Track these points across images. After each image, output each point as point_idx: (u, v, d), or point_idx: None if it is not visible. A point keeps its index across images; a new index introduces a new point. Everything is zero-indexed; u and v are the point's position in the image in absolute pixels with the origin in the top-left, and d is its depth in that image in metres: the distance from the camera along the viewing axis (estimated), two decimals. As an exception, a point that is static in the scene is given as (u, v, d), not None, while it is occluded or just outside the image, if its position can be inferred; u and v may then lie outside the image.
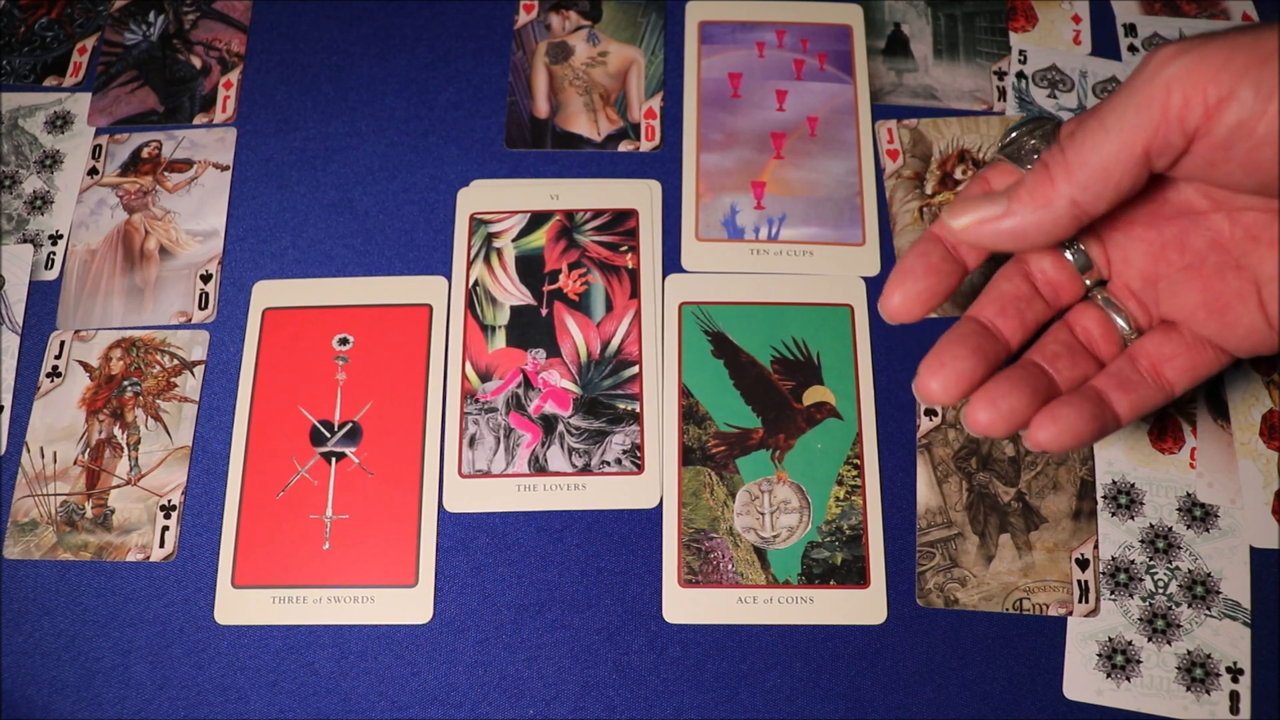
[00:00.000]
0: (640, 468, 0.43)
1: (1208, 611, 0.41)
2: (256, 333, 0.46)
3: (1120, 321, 0.36)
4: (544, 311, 0.46)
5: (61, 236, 0.49)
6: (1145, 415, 0.36)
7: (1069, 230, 0.32)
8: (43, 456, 0.45)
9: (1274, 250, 0.32)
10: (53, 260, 0.48)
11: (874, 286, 0.46)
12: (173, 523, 0.43)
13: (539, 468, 0.44)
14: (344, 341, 0.46)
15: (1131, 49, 0.52)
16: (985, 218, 0.32)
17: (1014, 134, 0.35)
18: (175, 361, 0.46)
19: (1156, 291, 0.35)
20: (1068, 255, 0.36)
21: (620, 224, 0.48)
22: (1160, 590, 0.42)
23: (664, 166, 0.49)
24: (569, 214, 0.48)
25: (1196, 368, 0.35)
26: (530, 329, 0.46)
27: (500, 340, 0.46)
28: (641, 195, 0.48)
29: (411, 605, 0.42)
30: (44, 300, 0.47)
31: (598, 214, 0.48)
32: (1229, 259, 0.33)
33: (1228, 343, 0.34)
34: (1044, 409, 0.34)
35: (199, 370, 0.46)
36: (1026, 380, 0.34)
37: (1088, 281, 0.36)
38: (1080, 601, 0.41)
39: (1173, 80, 0.29)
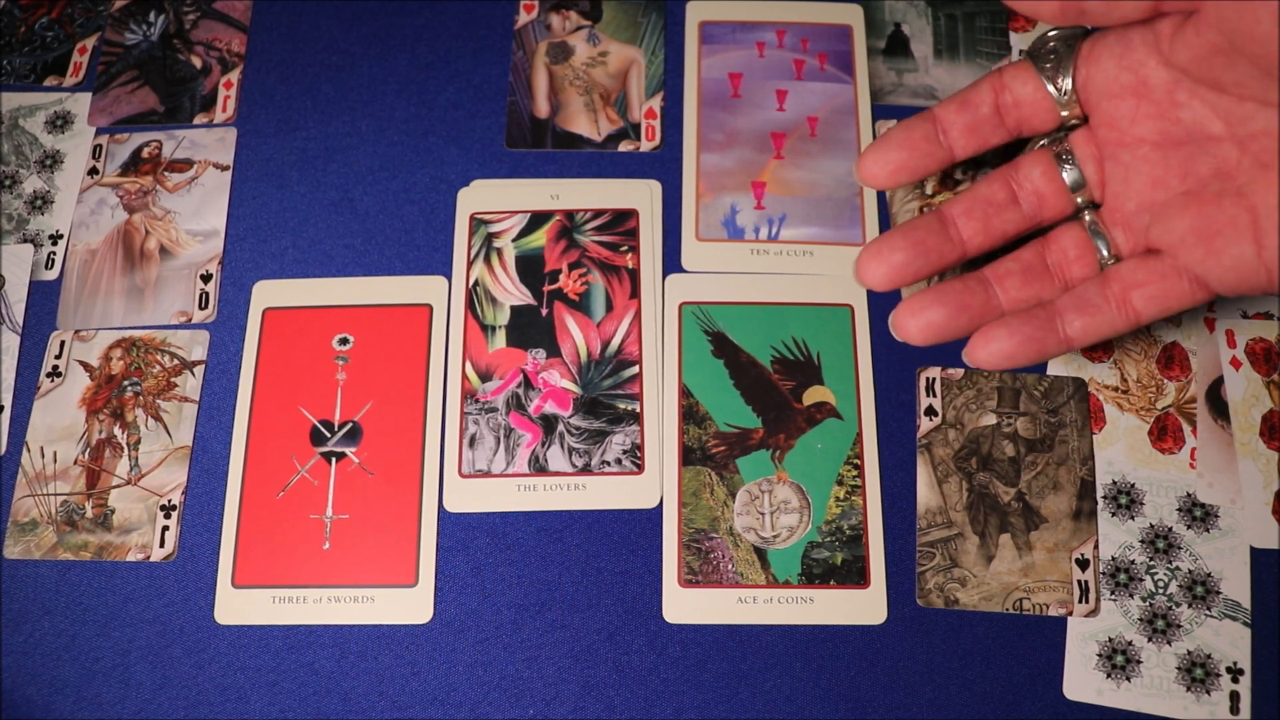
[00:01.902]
0: (640, 468, 0.43)
1: (1208, 612, 0.41)
2: (256, 333, 0.46)
3: (1102, 248, 0.35)
4: (544, 311, 0.46)
5: (62, 236, 0.49)
6: (1102, 341, 0.37)
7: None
8: (43, 456, 0.45)
9: None
10: (53, 260, 0.48)
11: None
12: (173, 523, 0.43)
13: (539, 468, 0.44)
14: (344, 341, 0.46)
15: (1132, 49, 0.52)
16: None
17: (1041, 36, 0.36)
18: (175, 361, 0.46)
19: (1149, 216, 0.35)
20: (1064, 174, 0.36)
21: (620, 224, 0.48)
22: (1160, 590, 0.42)
23: (664, 166, 0.49)
24: (569, 214, 0.48)
25: (1167, 297, 0.34)
26: (530, 329, 0.46)
27: (500, 340, 0.46)
28: (641, 195, 0.48)
29: (411, 605, 0.42)
30: (44, 300, 0.47)
31: (598, 214, 0.48)
32: (1231, 186, 0.33)
33: (1211, 273, 0.33)
34: (982, 329, 0.35)
35: (199, 370, 0.46)
36: (955, 295, 0.35)
37: (1079, 200, 0.36)
38: (1080, 601, 0.41)
39: None
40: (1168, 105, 0.34)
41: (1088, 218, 0.36)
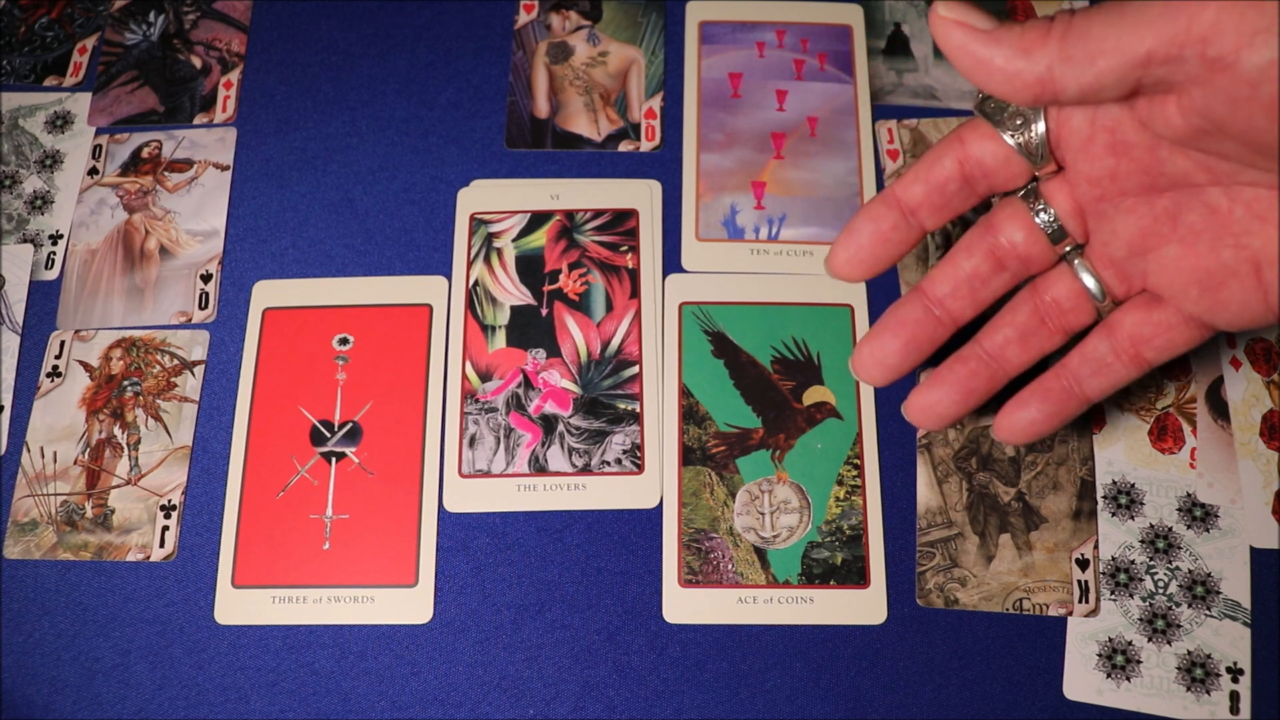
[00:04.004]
0: (640, 468, 0.43)
1: (1208, 611, 0.41)
2: (256, 333, 0.46)
3: (1096, 293, 0.34)
4: (544, 311, 0.46)
5: (61, 236, 0.49)
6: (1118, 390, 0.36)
7: (1026, 97, 0.30)
8: (43, 456, 0.45)
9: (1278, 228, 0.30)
10: (53, 260, 0.48)
11: (874, 286, 0.46)
12: (173, 523, 0.43)
13: (539, 468, 0.44)
14: (344, 341, 0.46)
15: (1131, 49, 0.52)
16: (969, 24, 0.30)
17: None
18: (175, 361, 0.46)
19: (1144, 263, 0.33)
20: (1038, 220, 0.34)
21: (620, 224, 0.48)
22: (1160, 590, 0.42)
23: (664, 166, 0.49)
24: (569, 214, 0.48)
25: (1177, 343, 0.34)
26: (530, 329, 0.46)
27: (500, 340, 0.46)
28: (641, 195, 0.48)
29: (411, 605, 0.42)
30: (44, 300, 0.47)
31: (598, 214, 0.48)
32: (1227, 236, 0.32)
33: (1218, 319, 0.33)
34: (1006, 407, 0.35)
35: (199, 370, 0.46)
36: (961, 380, 0.35)
37: (1067, 248, 0.34)
38: (1080, 601, 0.41)
39: None
40: (1149, 161, 0.32)
41: (1076, 263, 0.34)
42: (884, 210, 0.35)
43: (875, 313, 0.46)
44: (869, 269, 0.35)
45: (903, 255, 0.35)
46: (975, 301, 0.35)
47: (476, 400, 0.45)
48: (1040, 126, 0.32)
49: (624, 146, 0.50)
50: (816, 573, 0.42)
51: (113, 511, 0.44)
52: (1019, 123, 0.32)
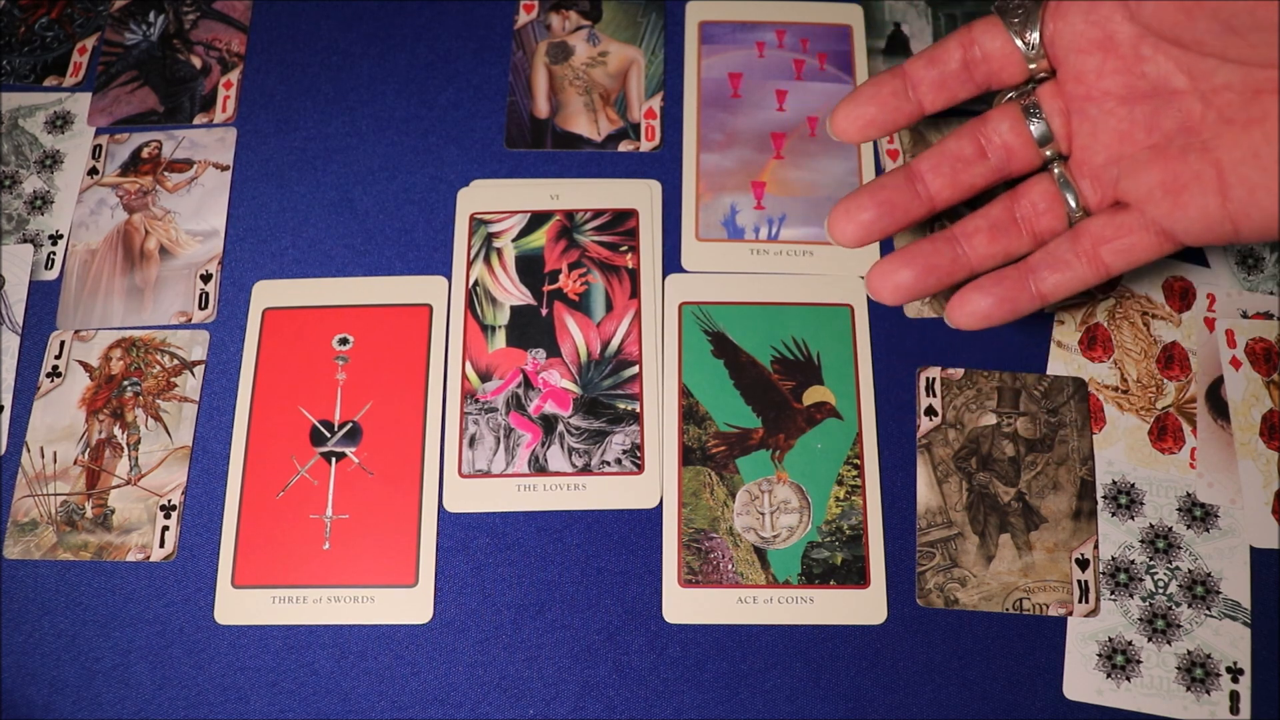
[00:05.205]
0: (640, 468, 0.43)
1: (1208, 611, 0.41)
2: (256, 333, 0.46)
3: (1070, 200, 0.37)
4: (544, 311, 0.46)
5: (61, 236, 0.49)
6: (1074, 295, 0.38)
7: None
8: (43, 456, 0.45)
9: (1246, 132, 0.33)
10: (53, 260, 0.48)
11: (874, 286, 0.47)
12: (173, 523, 0.43)
13: (539, 468, 0.44)
14: (344, 341, 0.46)
15: (1131, 49, 0.52)
16: None
17: None
18: (175, 361, 0.46)
19: (1118, 170, 0.36)
20: (1031, 128, 0.37)
21: (620, 224, 0.48)
22: (1160, 590, 0.42)
23: (664, 166, 0.49)
24: (569, 214, 0.48)
25: (1135, 250, 0.36)
26: (530, 329, 0.46)
27: (500, 340, 0.46)
28: (641, 195, 0.48)
29: (411, 605, 0.42)
30: (44, 300, 0.47)
31: (598, 214, 0.48)
32: (1195, 140, 0.34)
33: (1178, 226, 0.35)
34: (961, 291, 0.37)
35: (199, 370, 0.46)
36: (924, 256, 0.37)
37: (1047, 153, 0.37)
38: (1080, 601, 0.41)
39: None
40: (1133, 60, 0.34)
41: (1056, 170, 0.37)
42: (888, 78, 0.37)
43: (875, 313, 0.46)
44: (864, 129, 0.37)
45: (898, 127, 0.38)
46: (954, 182, 0.37)
47: (476, 400, 0.45)
48: (1037, 22, 0.36)
49: (624, 146, 0.50)
50: (816, 573, 0.42)
51: (113, 511, 0.44)
52: (1020, 16, 0.36)
